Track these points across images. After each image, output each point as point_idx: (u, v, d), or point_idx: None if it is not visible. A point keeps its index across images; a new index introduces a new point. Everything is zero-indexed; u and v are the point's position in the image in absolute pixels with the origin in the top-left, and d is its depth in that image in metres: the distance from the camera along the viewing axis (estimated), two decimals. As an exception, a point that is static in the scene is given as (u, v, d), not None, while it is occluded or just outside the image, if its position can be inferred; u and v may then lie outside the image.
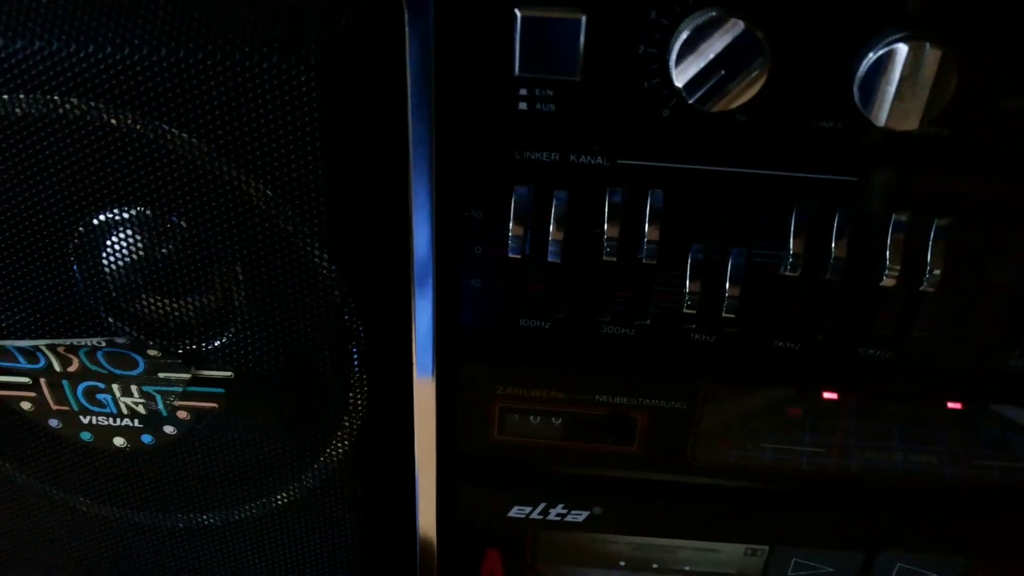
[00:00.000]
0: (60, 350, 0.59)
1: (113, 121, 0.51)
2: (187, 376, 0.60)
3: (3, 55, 0.50)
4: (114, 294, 0.59)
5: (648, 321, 0.61)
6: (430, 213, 0.57)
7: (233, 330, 0.60)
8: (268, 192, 0.54)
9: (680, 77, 0.49)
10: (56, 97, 0.51)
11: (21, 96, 0.51)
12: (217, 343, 0.60)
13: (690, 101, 0.49)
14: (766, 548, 0.74)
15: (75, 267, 0.58)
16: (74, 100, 0.51)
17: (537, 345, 0.63)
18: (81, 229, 0.56)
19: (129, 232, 0.57)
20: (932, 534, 0.71)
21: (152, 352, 0.59)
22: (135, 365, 0.60)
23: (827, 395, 0.64)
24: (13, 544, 0.74)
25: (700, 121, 0.53)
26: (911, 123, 0.49)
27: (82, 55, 0.50)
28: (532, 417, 0.67)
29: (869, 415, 0.65)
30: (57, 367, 0.61)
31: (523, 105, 0.53)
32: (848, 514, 0.70)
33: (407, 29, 0.51)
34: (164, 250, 0.57)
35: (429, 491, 0.71)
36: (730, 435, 0.66)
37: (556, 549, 0.76)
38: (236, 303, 0.59)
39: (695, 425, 0.66)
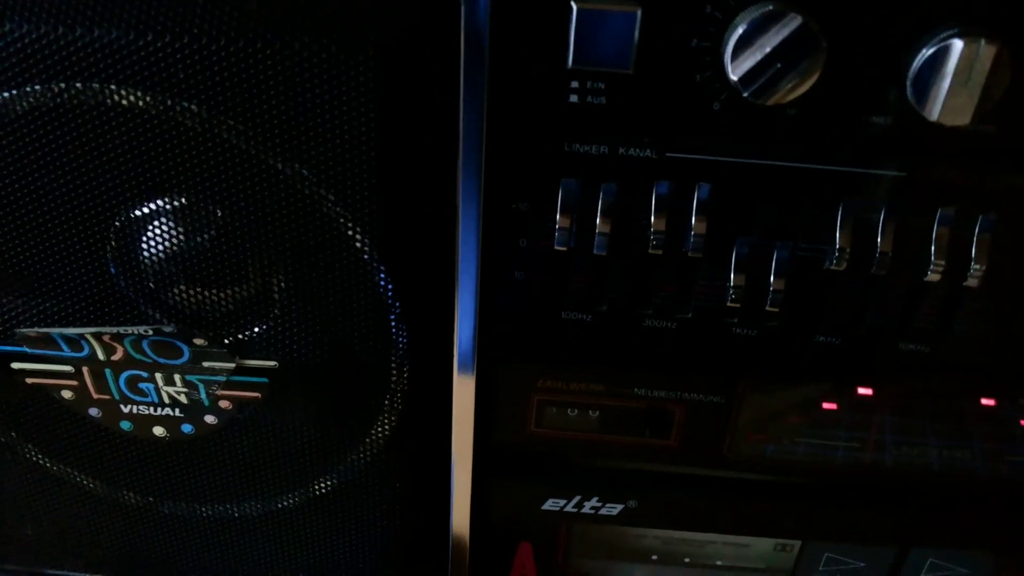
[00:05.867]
0: (105, 338, 0.59)
1: (161, 107, 0.52)
2: (231, 365, 0.60)
3: (59, 43, 0.50)
4: (155, 284, 0.59)
5: (690, 314, 0.61)
6: (477, 204, 0.57)
7: (278, 319, 0.60)
8: (312, 178, 0.54)
9: (736, 70, 0.49)
10: (113, 86, 0.51)
11: (77, 85, 0.51)
12: (262, 332, 0.60)
13: (745, 94, 0.50)
14: (797, 543, 0.75)
15: (112, 265, 0.58)
16: (131, 89, 0.51)
17: (578, 338, 0.63)
18: (117, 224, 0.56)
19: (178, 222, 0.57)
20: (965, 530, 0.72)
21: (198, 341, 0.59)
22: (180, 354, 0.60)
23: (865, 390, 0.65)
24: (49, 534, 0.74)
25: (750, 115, 0.53)
26: (963, 118, 0.49)
27: (140, 43, 0.50)
28: (570, 410, 0.67)
29: (905, 410, 0.66)
30: (101, 355, 0.61)
31: (574, 98, 0.54)
32: (881, 509, 0.71)
33: (462, 21, 0.51)
34: (213, 241, 0.57)
35: (464, 482, 0.71)
36: (767, 429, 0.67)
37: (588, 543, 0.76)
38: (282, 292, 0.59)
39: (733, 419, 0.66)
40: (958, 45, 0.47)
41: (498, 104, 0.54)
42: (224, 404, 0.63)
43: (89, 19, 0.50)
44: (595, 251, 0.57)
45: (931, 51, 0.48)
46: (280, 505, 0.71)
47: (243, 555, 0.74)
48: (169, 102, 0.52)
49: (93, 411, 0.64)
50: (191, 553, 0.75)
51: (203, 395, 0.62)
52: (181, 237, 0.57)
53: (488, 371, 0.65)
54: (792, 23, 0.47)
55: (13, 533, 0.75)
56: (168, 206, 0.57)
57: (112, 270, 0.58)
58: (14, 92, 0.52)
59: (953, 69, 0.48)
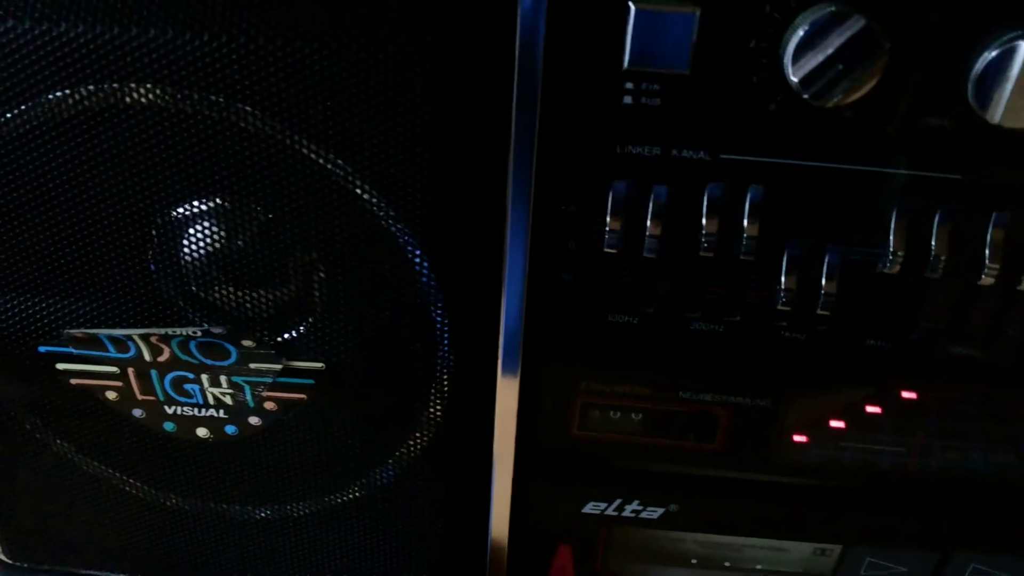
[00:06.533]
0: (153, 339, 0.59)
1: (212, 110, 0.51)
2: (278, 367, 0.60)
3: (113, 43, 0.50)
4: (198, 285, 0.59)
5: (739, 318, 0.61)
6: (527, 205, 0.57)
7: (321, 320, 0.60)
8: (362, 177, 0.54)
9: (797, 72, 0.49)
10: (167, 87, 0.51)
11: (132, 85, 0.51)
12: (309, 333, 0.60)
13: (806, 96, 0.49)
14: (837, 547, 0.74)
15: (153, 264, 0.57)
16: (184, 90, 0.51)
17: (624, 340, 0.63)
18: (160, 224, 0.56)
19: (223, 222, 0.57)
20: (1009, 536, 0.71)
21: (246, 342, 0.59)
22: (228, 356, 0.60)
23: (913, 394, 0.64)
24: (87, 534, 0.74)
25: (806, 116, 0.53)
26: (1025, 120, 0.49)
27: (196, 44, 0.50)
28: (613, 413, 0.67)
29: (952, 415, 0.65)
30: (147, 357, 0.61)
31: (628, 99, 0.53)
32: (925, 514, 0.70)
33: (518, 21, 0.51)
34: (259, 240, 0.57)
35: (504, 485, 0.71)
36: (813, 433, 0.66)
37: (628, 547, 0.75)
38: (328, 293, 0.59)
39: (779, 423, 0.66)
40: (1023, 47, 0.47)
41: (551, 104, 0.54)
42: (269, 406, 0.63)
43: (144, 19, 0.50)
44: (645, 254, 0.57)
45: (995, 53, 0.48)
46: (320, 507, 0.70)
47: (280, 558, 0.74)
48: (223, 102, 0.51)
49: (137, 412, 0.64)
50: (229, 555, 0.74)
51: (248, 396, 0.62)
52: (226, 237, 0.57)
53: (532, 373, 0.65)
54: (856, 24, 0.47)
55: (52, 534, 0.75)
56: (213, 206, 0.56)
57: (153, 268, 0.58)
58: (67, 91, 0.52)
59: (1017, 72, 0.47)
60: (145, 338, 0.59)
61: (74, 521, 0.74)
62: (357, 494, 0.69)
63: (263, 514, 0.71)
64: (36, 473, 0.71)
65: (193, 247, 0.57)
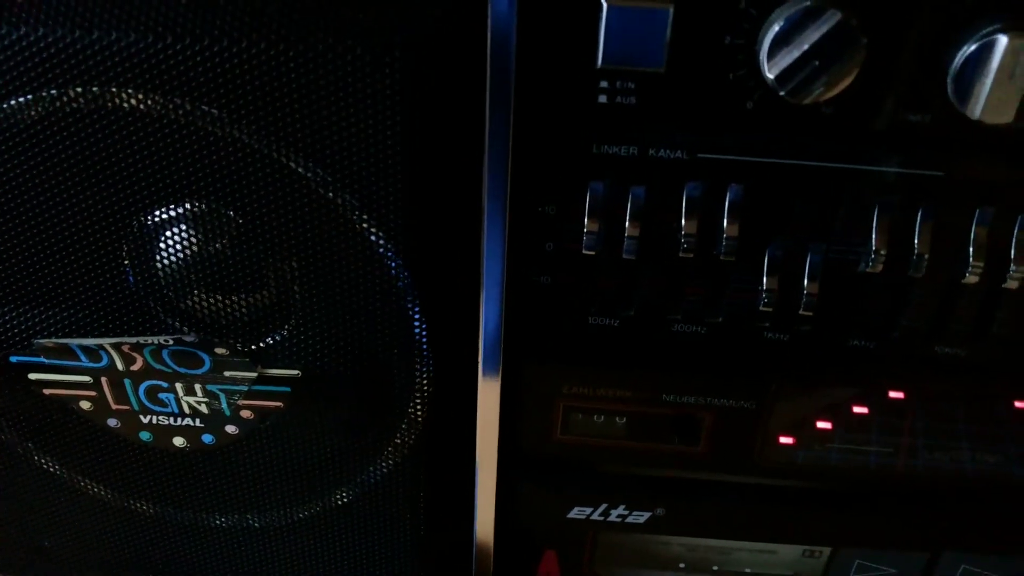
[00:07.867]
0: (125, 348, 0.58)
1: (180, 111, 0.50)
2: (253, 375, 0.59)
3: (75, 47, 0.49)
4: (172, 291, 0.58)
5: (721, 319, 0.60)
6: (503, 207, 0.56)
7: (297, 327, 0.59)
8: (335, 182, 0.53)
9: (772, 68, 0.48)
10: (130, 90, 0.50)
11: (94, 89, 0.50)
12: (283, 340, 0.59)
13: (781, 93, 0.48)
14: (826, 550, 0.73)
15: (129, 270, 0.57)
16: (149, 93, 0.50)
17: (605, 343, 0.62)
18: (134, 230, 0.55)
19: (196, 228, 0.56)
20: (998, 534, 0.70)
21: (219, 350, 0.58)
22: (201, 364, 0.59)
23: (898, 394, 0.63)
24: (67, 545, 0.73)
25: (785, 114, 0.52)
26: (1006, 116, 0.48)
27: (160, 47, 0.49)
28: (596, 416, 0.66)
29: (939, 414, 0.64)
30: (120, 366, 0.60)
31: (603, 98, 0.52)
32: (914, 514, 0.70)
33: (489, 20, 0.50)
34: (231, 246, 0.56)
35: (488, 491, 0.70)
36: (798, 435, 0.65)
37: (614, 551, 0.75)
38: (303, 299, 0.58)
39: (763, 425, 0.65)
40: (1002, 41, 0.46)
41: (525, 105, 0.53)
42: (245, 414, 0.62)
43: (107, 22, 0.49)
44: (624, 255, 0.56)
45: (974, 47, 0.47)
46: (302, 515, 0.69)
47: (264, 565, 0.73)
48: (188, 106, 0.50)
49: (112, 422, 0.63)
50: (211, 564, 0.74)
51: (224, 405, 0.61)
52: (198, 243, 0.56)
53: (513, 377, 0.64)
54: (831, 19, 0.46)
55: (31, 544, 0.74)
56: (185, 211, 0.55)
57: (130, 279, 0.57)
58: (29, 97, 0.51)
59: (996, 66, 0.47)
60: (117, 347, 0.58)
61: (55, 532, 0.73)
62: (340, 500, 0.68)
63: (245, 522, 0.70)
64: (16, 484, 0.70)
65: (166, 253, 0.56)
